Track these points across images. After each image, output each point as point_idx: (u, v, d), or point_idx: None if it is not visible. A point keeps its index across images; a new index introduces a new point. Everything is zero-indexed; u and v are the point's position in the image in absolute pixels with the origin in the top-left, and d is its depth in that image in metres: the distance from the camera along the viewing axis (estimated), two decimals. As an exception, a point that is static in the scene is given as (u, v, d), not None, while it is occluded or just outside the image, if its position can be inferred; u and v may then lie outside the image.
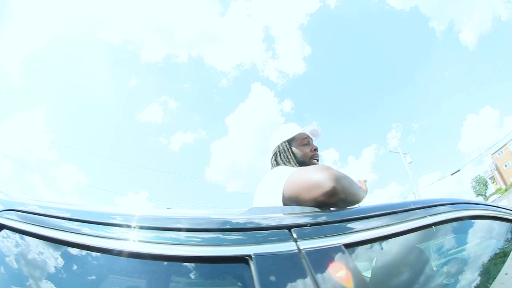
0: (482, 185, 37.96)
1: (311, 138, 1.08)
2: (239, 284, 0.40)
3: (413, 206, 0.64)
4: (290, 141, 1.04)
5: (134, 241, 0.39)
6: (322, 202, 0.61)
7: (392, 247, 0.57)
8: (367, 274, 0.65)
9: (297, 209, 0.62)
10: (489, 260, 0.81)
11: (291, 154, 1.00)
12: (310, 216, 0.52)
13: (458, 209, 0.75)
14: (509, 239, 0.90)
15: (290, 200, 0.68)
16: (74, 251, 0.36)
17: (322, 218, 0.51)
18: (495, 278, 0.74)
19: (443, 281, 0.73)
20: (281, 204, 0.70)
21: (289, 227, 0.45)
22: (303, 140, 1.04)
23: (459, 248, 0.82)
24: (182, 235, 0.41)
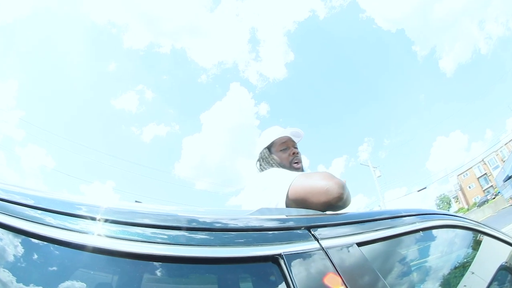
0: (445, 203, 40.75)
1: (293, 141, 1.08)
2: (270, 283, 0.40)
3: (404, 214, 0.72)
4: (270, 147, 1.04)
5: (133, 241, 0.35)
6: (328, 206, 0.66)
7: (394, 247, 0.63)
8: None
9: (303, 211, 0.65)
10: (450, 271, 0.86)
11: (272, 160, 1.01)
12: (322, 217, 0.55)
13: (443, 218, 0.84)
14: (472, 249, 0.98)
15: (295, 203, 0.72)
16: (35, 242, 0.33)
17: (334, 219, 0.54)
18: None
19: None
20: (283, 206, 0.73)
21: (308, 227, 0.47)
22: (281, 145, 1.04)
23: (435, 256, 0.88)
24: (208, 235, 0.40)
